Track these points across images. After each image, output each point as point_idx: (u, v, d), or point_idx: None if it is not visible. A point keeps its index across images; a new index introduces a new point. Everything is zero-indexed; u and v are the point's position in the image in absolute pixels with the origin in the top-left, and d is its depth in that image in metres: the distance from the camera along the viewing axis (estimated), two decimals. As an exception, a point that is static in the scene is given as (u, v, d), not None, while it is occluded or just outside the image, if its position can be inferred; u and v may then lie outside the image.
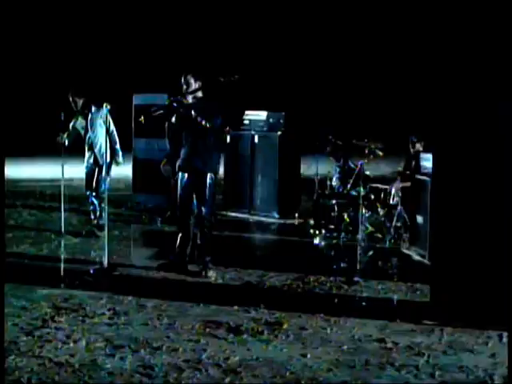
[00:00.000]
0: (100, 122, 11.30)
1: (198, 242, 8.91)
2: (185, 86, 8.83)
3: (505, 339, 6.44)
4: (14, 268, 8.75)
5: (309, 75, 32.31)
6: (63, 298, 7.64)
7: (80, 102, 11.34)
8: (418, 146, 11.79)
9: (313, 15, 33.91)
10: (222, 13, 33.40)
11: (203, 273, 8.78)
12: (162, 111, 8.96)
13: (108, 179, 11.35)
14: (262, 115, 13.76)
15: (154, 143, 14.31)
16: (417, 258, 9.98)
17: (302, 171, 14.26)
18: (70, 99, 11.36)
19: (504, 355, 5.97)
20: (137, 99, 14.88)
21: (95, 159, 11.41)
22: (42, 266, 9.26)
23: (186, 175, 8.84)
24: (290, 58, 32.14)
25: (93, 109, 11.38)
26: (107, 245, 9.35)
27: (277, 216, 13.51)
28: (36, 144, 31.27)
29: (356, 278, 8.78)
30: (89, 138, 11.40)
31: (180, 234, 9.01)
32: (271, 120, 13.71)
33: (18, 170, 20.40)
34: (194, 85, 8.82)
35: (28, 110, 32.21)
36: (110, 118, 11.34)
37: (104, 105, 9.61)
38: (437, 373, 5.62)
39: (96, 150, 11.38)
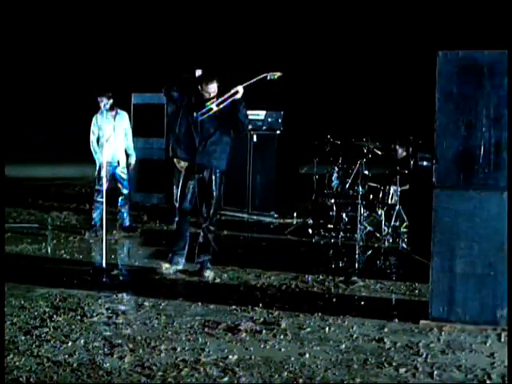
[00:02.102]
0: (122, 123, 11.54)
1: (200, 240, 8.87)
2: (213, 94, 8.67)
3: (503, 338, 6.45)
4: (13, 267, 8.76)
5: (308, 75, 32.30)
6: (61, 297, 7.63)
7: (109, 102, 11.37)
8: (401, 152, 11.81)
9: (312, 14, 33.91)
10: (220, 12, 33.40)
11: (201, 272, 8.77)
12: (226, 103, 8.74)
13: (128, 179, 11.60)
14: (260, 114, 13.77)
15: (153, 143, 14.33)
16: (415, 257, 9.98)
17: (300, 171, 14.26)
18: (99, 99, 11.38)
19: (502, 354, 5.99)
20: (136, 98, 14.91)
21: (111, 160, 11.45)
22: (40, 266, 9.26)
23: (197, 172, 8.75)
24: (288, 58, 32.13)
25: (118, 110, 11.54)
26: (105, 244, 9.36)
27: (275, 215, 13.52)
28: (38, 144, 31.33)
29: (354, 278, 8.79)
30: (107, 138, 11.43)
31: (181, 233, 8.95)
32: (270, 119, 13.71)
33: (18, 170, 20.38)
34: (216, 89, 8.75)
35: (23, 108, 32.19)
36: (128, 120, 11.58)
37: (102, 104, 9.61)
38: (435, 372, 5.62)
39: (117, 151, 11.52)
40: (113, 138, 11.40)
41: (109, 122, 11.35)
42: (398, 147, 11.88)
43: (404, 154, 11.75)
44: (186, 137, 8.71)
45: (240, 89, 8.53)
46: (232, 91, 8.54)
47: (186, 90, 8.69)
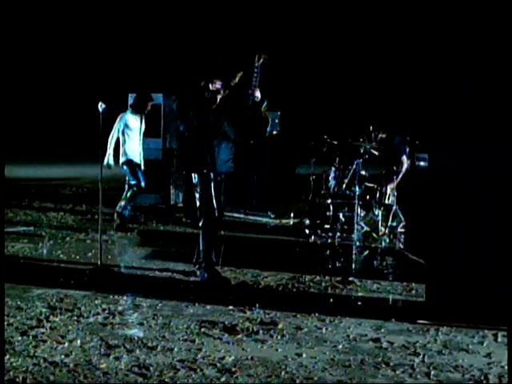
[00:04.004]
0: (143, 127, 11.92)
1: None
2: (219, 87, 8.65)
3: (500, 339, 6.45)
4: (9, 268, 8.74)
5: (305, 75, 32.32)
6: (58, 297, 7.62)
7: (150, 105, 11.62)
8: (377, 134, 11.84)
9: (309, 14, 33.92)
10: (217, 11, 33.39)
11: (198, 273, 8.75)
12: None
13: None
14: (257, 115, 13.74)
15: (150, 143, 14.29)
16: (412, 257, 9.98)
17: (297, 171, 14.27)
18: (149, 103, 11.59)
19: (499, 355, 5.99)
20: (132, 98, 14.86)
21: (136, 160, 11.65)
22: (37, 266, 9.25)
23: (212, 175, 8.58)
24: (285, 58, 32.13)
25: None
26: (102, 244, 9.35)
27: (272, 216, 13.51)
28: (34, 144, 31.31)
29: (351, 278, 8.79)
30: (134, 138, 11.58)
31: (207, 240, 8.65)
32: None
33: (14, 170, 20.35)
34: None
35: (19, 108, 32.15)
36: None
37: (99, 104, 9.58)
38: (432, 372, 5.62)
39: (141, 152, 11.82)
40: (139, 140, 11.63)
41: (138, 124, 11.57)
42: (374, 138, 11.92)
43: (383, 135, 11.76)
44: (198, 147, 8.55)
45: (258, 93, 8.60)
46: (258, 99, 8.58)
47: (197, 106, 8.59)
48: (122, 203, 11.73)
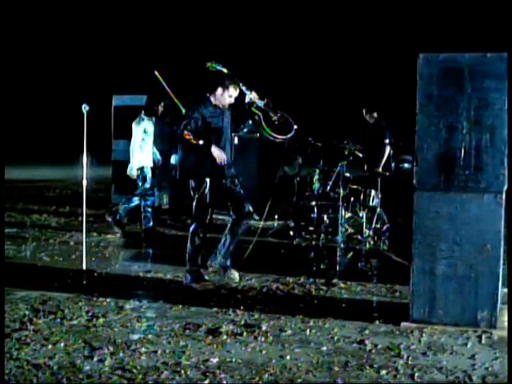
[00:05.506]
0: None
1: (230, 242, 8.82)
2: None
3: (484, 340, 6.47)
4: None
5: (289, 77, 32.34)
6: (41, 300, 7.59)
7: (161, 106, 11.51)
8: (370, 117, 11.95)
9: (294, 17, 33.94)
10: (207, 12, 33.37)
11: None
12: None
13: None
14: (241, 117, 13.72)
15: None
16: (396, 259, 10.00)
17: (281, 173, 14.24)
18: (156, 107, 11.56)
19: (483, 356, 6.02)
20: (116, 100, 14.85)
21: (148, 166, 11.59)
22: (20, 268, 9.21)
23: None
24: (272, 60, 32.16)
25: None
26: (86, 246, 9.31)
27: (256, 218, 13.50)
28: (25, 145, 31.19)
29: (335, 280, 8.79)
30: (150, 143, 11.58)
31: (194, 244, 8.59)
32: (251, 121, 13.67)
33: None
34: None
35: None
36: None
37: (83, 106, 9.53)
38: (416, 374, 5.62)
39: (155, 152, 11.75)
40: (151, 144, 11.57)
41: (153, 129, 11.52)
42: (364, 111, 12.06)
43: (374, 114, 11.86)
44: (204, 154, 8.46)
45: (255, 94, 8.67)
46: (259, 101, 8.63)
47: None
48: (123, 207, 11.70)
